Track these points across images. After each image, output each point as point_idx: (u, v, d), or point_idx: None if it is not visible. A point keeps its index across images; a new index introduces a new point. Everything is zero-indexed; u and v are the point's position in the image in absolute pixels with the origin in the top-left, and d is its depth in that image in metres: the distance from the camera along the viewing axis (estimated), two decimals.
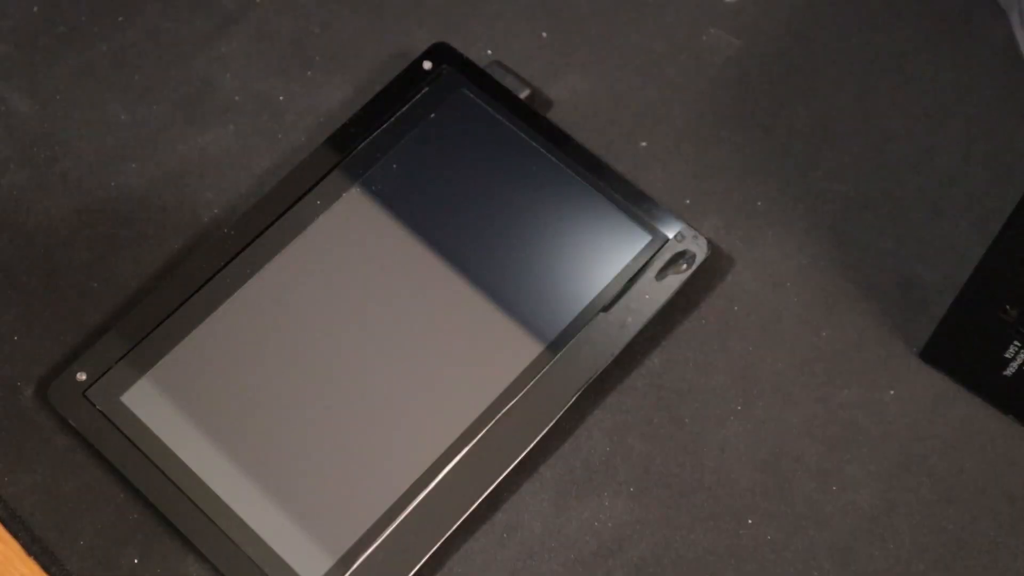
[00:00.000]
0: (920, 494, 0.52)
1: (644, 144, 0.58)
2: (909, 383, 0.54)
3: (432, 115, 0.56)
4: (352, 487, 0.50)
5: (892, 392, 0.53)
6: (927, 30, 0.61)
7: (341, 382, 0.51)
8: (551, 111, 0.59)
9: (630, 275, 0.53)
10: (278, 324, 0.52)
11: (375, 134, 0.56)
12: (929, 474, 0.52)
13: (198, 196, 0.57)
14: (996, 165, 0.57)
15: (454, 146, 0.56)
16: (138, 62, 0.60)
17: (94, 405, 0.51)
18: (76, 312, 0.54)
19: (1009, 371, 0.51)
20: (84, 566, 0.50)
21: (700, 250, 0.54)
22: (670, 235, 0.54)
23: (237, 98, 0.59)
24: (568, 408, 0.51)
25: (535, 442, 0.51)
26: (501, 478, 0.50)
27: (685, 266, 0.54)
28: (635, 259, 0.54)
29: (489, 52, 0.60)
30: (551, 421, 0.51)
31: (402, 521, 0.49)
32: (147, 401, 0.51)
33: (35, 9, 0.61)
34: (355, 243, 0.54)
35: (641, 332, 0.53)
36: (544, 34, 0.61)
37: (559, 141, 0.56)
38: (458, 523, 0.49)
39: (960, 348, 0.52)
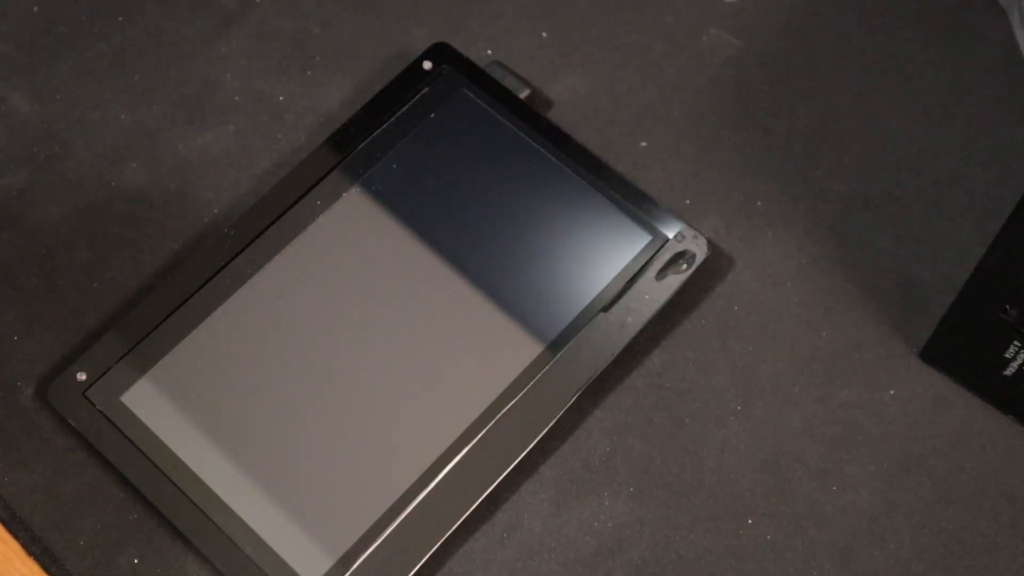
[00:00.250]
0: (920, 494, 0.52)
1: (644, 144, 0.58)
2: (909, 383, 0.54)
3: (432, 115, 0.56)
4: (352, 487, 0.50)
5: (892, 392, 0.53)
6: (927, 30, 0.61)
7: (341, 382, 0.51)
8: (551, 111, 0.59)
9: (630, 275, 0.53)
10: (278, 324, 0.52)
11: (375, 134, 0.56)
12: (929, 474, 0.52)
13: (198, 196, 0.57)
14: (996, 165, 0.57)
15: (454, 146, 0.56)
16: (138, 62, 0.60)
17: (94, 405, 0.51)
18: (76, 312, 0.54)
19: (1009, 371, 0.51)
20: (84, 566, 0.50)
21: (700, 250, 0.54)
22: (670, 235, 0.54)
23: (237, 98, 0.59)
24: (568, 408, 0.51)
25: (535, 442, 0.51)
26: (501, 478, 0.50)
27: (685, 266, 0.54)
28: (635, 259, 0.54)
29: (489, 52, 0.60)
30: (551, 421, 0.51)
31: (402, 521, 0.49)
32: (147, 401, 0.51)
33: (35, 9, 0.61)
34: (355, 243, 0.54)
35: (641, 332, 0.53)
36: (544, 34, 0.61)
37: (559, 141, 0.56)
38: (458, 523, 0.49)
39: (960, 348, 0.52)
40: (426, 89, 0.57)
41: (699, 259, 0.54)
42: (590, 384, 0.52)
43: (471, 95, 0.57)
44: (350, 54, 0.60)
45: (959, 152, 0.58)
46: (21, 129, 0.58)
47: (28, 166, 0.57)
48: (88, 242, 0.56)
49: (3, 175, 0.57)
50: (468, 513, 0.50)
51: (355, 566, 0.49)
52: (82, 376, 0.51)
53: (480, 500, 0.50)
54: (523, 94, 0.57)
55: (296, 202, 0.54)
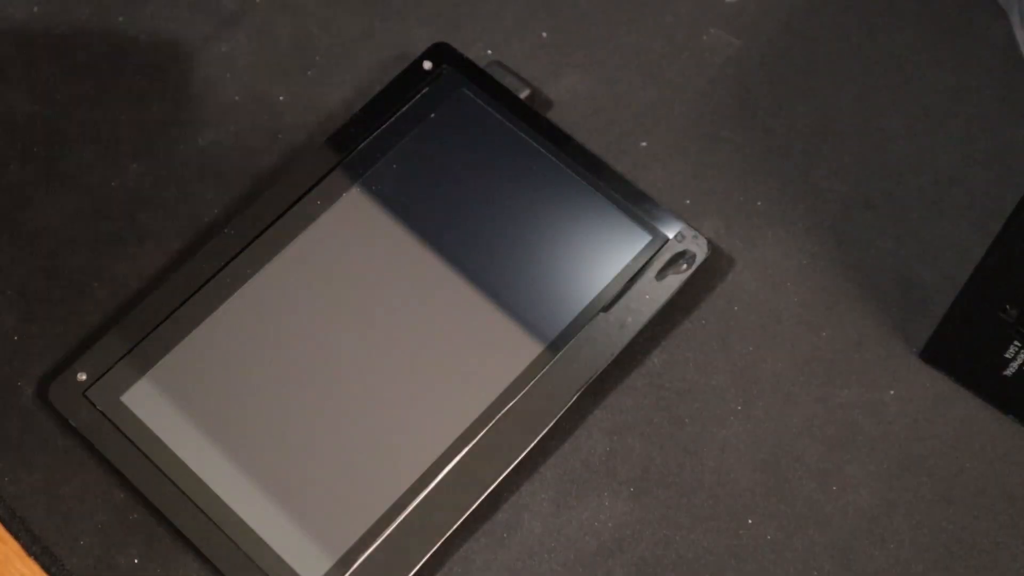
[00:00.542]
0: (920, 494, 0.52)
1: (644, 144, 0.58)
2: (909, 383, 0.54)
3: (432, 115, 0.56)
4: (352, 487, 0.50)
5: (892, 392, 0.53)
6: (927, 30, 0.61)
7: (341, 382, 0.51)
8: (551, 111, 0.59)
9: (630, 275, 0.53)
10: (278, 324, 0.52)
11: (375, 134, 0.56)
12: (929, 474, 0.52)
13: (198, 196, 0.57)
14: (996, 165, 0.57)
15: (454, 146, 0.56)
16: (138, 62, 0.60)
17: (94, 405, 0.51)
18: (76, 312, 0.54)
19: (1009, 371, 0.51)
20: (84, 566, 0.50)
21: (700, 250, 0.54)
22: (670, 235, 0.54)
23: (237, 98, 0.59)
24: (568, 408, 0.51)
25: (535, 442, 0.51)
26: (501, 478, 0.50)
27: (685, 266, 0.54)
28: (635, 259, 0.54)
29: (489, 52, 0.60)
30: (551, 421, 0.51)
31: (402, 521, 0.49)
32: (147, 401, 0.51)
33: (35, 9, 0.61)
34: (355, 243, 0.54)
35: (641, 332, 0.53)
36: (544, 34, 0.61)
37: (559, 141, 0.56)
38: (458, 523, 0.49)
39: (960, 348, 0.52)
40: (426, 89, 0.57)
41: (699, 259, 0.54)
42: (590, 384, 0.52)
43: (471, 95, 0.57)
44: (350, 54, 0.60)
45: (959, 152, 0.58)
46: (21, 129, 0.58)
47: (28, 166, 0.57)
48: (88, 242, 0.56)
49: (3, 175, 0.57)
50: (468, 513, 0.50)
51: (355, 566, 0.49)
52: (82, 376, 0.51)
53: (480, 500, 0.50)
54: (523, 94, 0.57)
55: (296, 202, 0.54)
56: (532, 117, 0.56)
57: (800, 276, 0.56)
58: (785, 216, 0.57)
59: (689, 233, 0.54)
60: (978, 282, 0.49)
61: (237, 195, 0.57)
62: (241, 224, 0.54)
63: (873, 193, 0.57)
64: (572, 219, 0.54)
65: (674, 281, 0.54)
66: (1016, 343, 0.49)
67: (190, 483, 0.49)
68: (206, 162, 0.58)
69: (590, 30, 0.61)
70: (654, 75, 0.60)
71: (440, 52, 0.58)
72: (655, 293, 0.53)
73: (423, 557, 0.49)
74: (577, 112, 0.59)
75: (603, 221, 0.54)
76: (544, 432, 0.51)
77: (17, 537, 0.50)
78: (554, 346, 0.52)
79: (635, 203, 0.55)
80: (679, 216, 0.55)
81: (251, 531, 0.49)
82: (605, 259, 0.54)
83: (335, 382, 0.51)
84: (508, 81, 0.57)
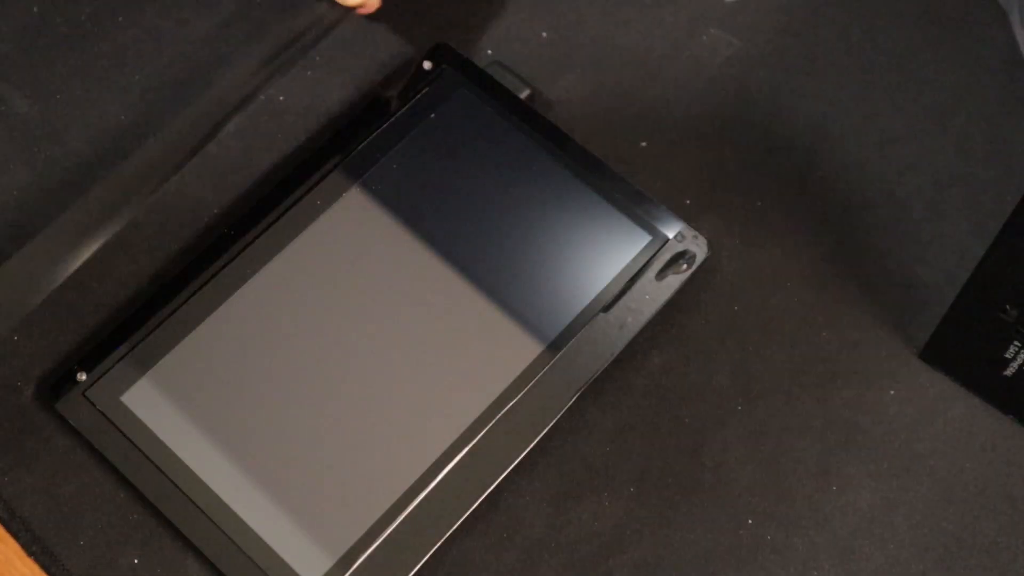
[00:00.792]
0: (920, 494, 0.52)
1: (644, 144, 0.58)
2: (909, 383, 0.54)
3: (432, 115, 0.56)
4: (352, 487, 0.50)
5: (892, 392, 0.53)
6: (927, 30, 0.61)
7: (341, 382, 0.51)
8: (551, 111, 0.59)
9: (630, 275, 0.53)
10: (278, 324, 0.52)
11: (375, 134, 0.56)
12: (929, 474, 0.52)
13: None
14: (996, 165, 0.57)
15: (454, 146, 0.56)
16: (138, 62, 0.60)
17: (94, 405, 0.51)
18: (76, 312, 0.54)
19: (1009, 371, 0.51)
20: (84, 566, 0.50)
21: (700, 250, 0.54)
22: (670, 235, 0.54)
23: (237, 98, 0.59)
24: (568, 408, 0.51)
25: (535, 442, 0.51)
26: (501, 478, 0.50)
27: (685, 266, 0.54)
28: (635, 259, 0.54)
29: (489, 52, 0.60)
30: (551, 421, 0.51)
31: (402, 521, 0.49)
32: (147, 401, 0.51)
33: (35, 9, 0.61)
34: (355, 243, 0.54)
35: (641, 332, 0.53)
36: (544, 34, 0.61)
37: (559, 141, 0.56)
38: (458, 523, 0.49)
39: (960, 348, 0.52)
40: (426, 89, 0.57)
41: (699, 259, 0.54)
42: (590, 384, 0.52)
43: (471, 95, 0.57)
44: (350, 54, 0.60)
45: (959, 152, 0.58)
46: (21, 129, 0.58)
47: (28, 166, 0.57)
48: (88, 242, 0.56)
49: (3, 175, 0.57)
50: (468, 513, 0.50)
51: (355, 566, 0.49)
52: (82, 376, 0.51)
53: (480, 500, 0.50)
54: (523, 94, 0.57)
55: (296, 202, 0.54)
56: (532, 117, 0.56)
57: (800, 276, 0.56)
58: (785, 216, 0.57)
59: (689, 233, 0.54)
60: (978, 282, 0.49)
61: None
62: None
63: (873, 193, 0.57)
64: (572, 219, 0.54)
65: (674, 281, 0.54)
66: (1016, 343, 0.49)
67: (190, 483, 0.49)
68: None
69: (590, 30, 0.61)
70: (654, 75, 0.60)
71: (440, 52, 0.58)
72: (655, 293, 0.53)
73: (423, 557, 0.49)
74: (577, 112, 0.59)
75: (603, 221, 0.54)
76: (544, 432, 0.51)
77: (17, 537, 0.50)
78: (554, 346, 0.52)
79: (635, 203, 0.55)
80: (679, 216, 0.55)
81: (251, 531, 0.49)
82: (605, 259, 0.54)
83: (335, 382, 0.51)
84: (508, 81, 0.57)
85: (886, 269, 0.56)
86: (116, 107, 0.59)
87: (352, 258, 0.54)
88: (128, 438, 0.50)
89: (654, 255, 0.54)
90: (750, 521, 0.51)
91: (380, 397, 0.51)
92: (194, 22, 0.61)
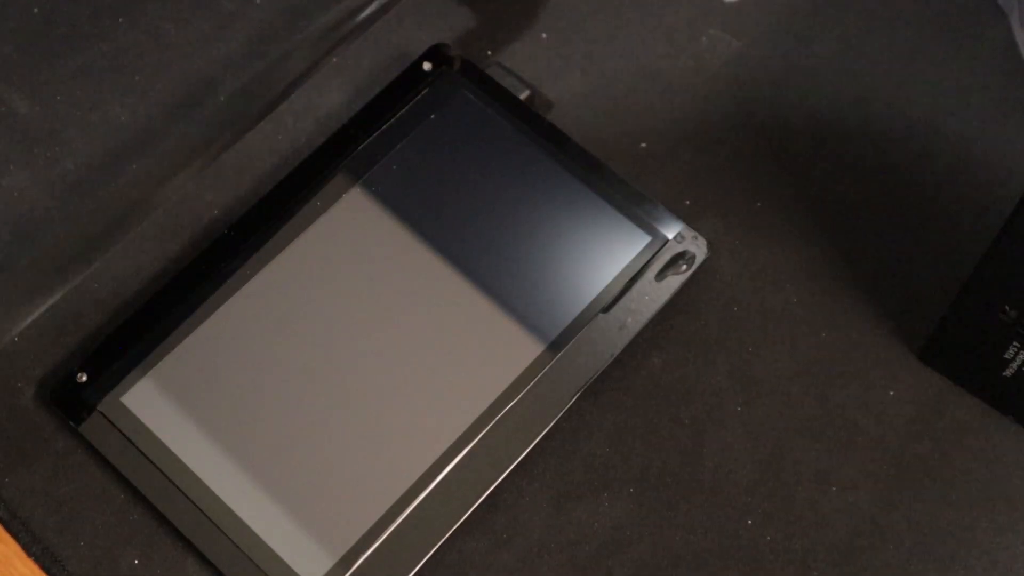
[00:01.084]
0: (920, 494, 0.52)
1: (644, 145, 0.58)
2: (909, 383, 0.54)
3: (432, 116, 0.56)
4: (352, 487, 0.50)
5: (892, 392, 0.53)
6: (927, 30, 0.61)
7: (341, 382, 0.51)
8: (551, 112, 0.59)
9: (630, 276, 0.53)
10: (278, 325, 0.52)
11: (375, 135, 0.56)
12: (929, 474, 0.52)
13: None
14: (996, 165, 0.57)
15: (454, 147, 0.56)
16: (138, 62, 0.60)
17: (94, 406, 0.51)
18: (76, 312, 0.54)
19: (1009, 372, 0.51)
20: (84, 566, 0.50)
21: (700, 251, 0.54)
22: (670, 236, 0.54)
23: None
24: (568, 409, 0.51)
25: (535, 442, 0.51)
26: (501, 478, 0.50)
27: (685, 267, 0.54)
28: (635, 260, 0.54)
29: (489, 52, 0.60)
30: (551, 421, 0.51)
31: (402, 521, 0.49)
32: (147, 402, 0.51)
33: (35, 10, 0.61)
34: (355, 244, 0.54)
35: (641, 333, 0.53)
36: (544, 34, 0.61)
37: (559, 142, 0.56)
38: (458, 523, 0.50)
39: (959, 349, 0.52)
40: (426, 90, 0.57)
41: (699, 260, 0.54)
42: (590, 384, 0.52)
43: (471, 96, 0.57)
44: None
45: (959, 152, 0.58)
46: (21, 129, 0.58)
47: (28, 166, 0.57)
48: (88, 242, 0.56)
49: (3, 175, 0.57)
50: (468, 513, 0.50)
51: (355, 566, 0.49)
52: (83, 378, 0.51)
53: (480, 500, 0.50)
54: (523, 95, 0.57)
55: (296, 203, 0.54)
56: (532, 118, 0.56)
57: (800, 276, 0.56)
58: (785, 216, 0.57)
59: (689, 234, 0.54)
60: (977, 283, 0.49)
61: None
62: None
63: (873, 193, 0.57)
64: (572, 220, 0.54)
65: (674, 282, 0.54)
66: (1016, 344, 0.49)
67: (191, 484, 0.50)
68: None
69: (590, 30, 0.61)
70: (654, 75, 0.60)
71: (440, 53, 0.58)
72: (655, 294, 0.53)
73: (423, 557, 0.49)
74: (577, 113, 0.59)
75: (603, 222, 0.54)
76: (544, 432, 0.51)
77: (17, 537, 0.50)
78: (554, 347, 0.52)
79: (635, 204, 0.55)
80: (679, 217, 0.55)
81: (251, 531, 0.49)
82: (605, 260, 0.54)
83: (335, 382, 0.51)
84: (508, 82, 0.57)
85: (886, 269, 0.56)
86: (116, 107, 0.59)
87: (352, 259, 0.54)
88: (129, 439, 0.50)
89: (654, 256, 0.54)
90: (750, 521, 0.51)
91: (380, 397, 0.51)
92: (194, 22, 0.61)
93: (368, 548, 0.49)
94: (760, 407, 0.53)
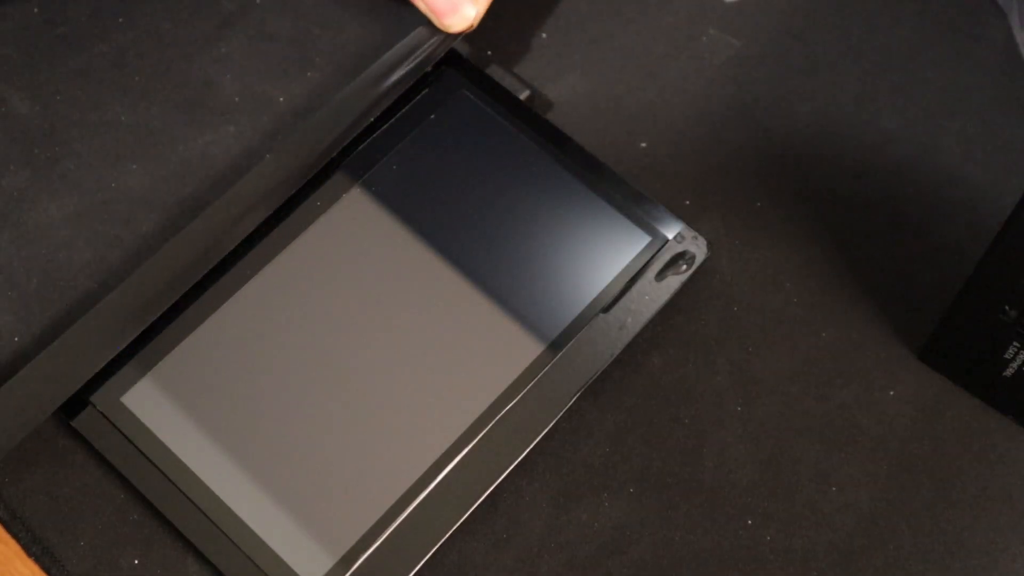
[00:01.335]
0: (920, 494, 0.52)
1: (644, 145, 0.58)
2: (909, 383, 0.54)
3: (432, 116, 0.56)
4: (352, 487, 0.50)
5: (892, 392, 0.53)
6: (927, 30, 0.61)
7: (341, 382, 0.51)
8: (551, 112, 0.59)
9: (630, 276, 0.53)
10: (279, 325, 0.52)
11: (375, 135, 0.56)
12: (929, 474, 0.52)
13: (198, 196, 0.57)
14: (996, 165, 0.57)
15: (454, 147, 0.56)
16: (138, 62, 0.60)
17: (94, 407, 0.51)
18: (76, 312, 0.54)
19: (1009, 372, 0.51)
20: (84, 566, 0.50)
21: (700, 251, 0.54)
22: (670, 236, 0.54)
23: (237, 99, 0.59)
24: (568, 409, 0.51)
25: (535, 442, 0.51)
26: (501, 478, 0.50)
27: (685, 267, 0.54)
28: (635, 260, 0.54)
29: (489, 52, 0.60)
30: (551, 421, 0.51)
31: (403, 521, 0.49)
32: (148, 402, 0.51)
33: (35, 10, 0.61)
34: (355, 244, 0.54)
35: (641, 333, 0.53)
36: (544, 34, 0.61)
37: (559, 142, 0.56)
38: (458, 523, 0.50)
39: (959, 349, 0.52)
40: (426, 90, 0.57)
41: (699, 260, 0.54)
42: (590, 384, 0.52)
43: (471, 96, 0.57)
44: (350, 54, 0.60)
45: (959, 152, 0.58)
46: (21, 129, 0.58)
47: (28, 166, 0.57)
48: (88, 242, 0.56)
49: (3, 175, 0.57)
50: (468, 513, 0.50)
51: (356, 566, 0.49)
52: None
53: (480, 500, 0.50)
54: (523, 95, 0.57)
55: (297, 203, 0.54)
56: (532, 118, 0.56)
57: (800, 276, 0.56)
58: (785, 216, 0.57)
59: (689, 234, 0.54)
60: (977, 283, 0.49)
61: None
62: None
63: (873, 193, 0.57)
64: (572, 220, 0.54)
65: (674, 282, 0.54)
66: (1016, 344, 0.49)
67: (190, 484, 0.50)
68: (206, 162, 0.58)
69: (590, 30, 0.61)
70: (654, 75, 0.60)
71: None
72: (655, 294, 0.53)
73: (423, 557, 0.49)
74: (577, 113, 0.59)
75: (602, 222, 0.54)
76: (544, 432, 0.51)
77: (17, 537, 0.50)
78: (554, 347, 0.52)
79: (634, 204, 0.55)
80: (678, 217, 0.55)
81: (251, 531, 0.49)
82: (605, 260, 0.54)
83: (335, 382, 0.51)
84: (508, 82, 0.57)
85: (886, 269, 0.56)
86: (116, 107, 0.59)
87: (352, 259, 0.54)
88: (129, 439, 0.50)
89: (654, 256, 0.54)
90: (750, 521, 0.51)
91: (380, 397, 0.51)
92: (194, 22, 0.61)
93: (368, 548, 0.49)
94: (760, 407, 0.53)
